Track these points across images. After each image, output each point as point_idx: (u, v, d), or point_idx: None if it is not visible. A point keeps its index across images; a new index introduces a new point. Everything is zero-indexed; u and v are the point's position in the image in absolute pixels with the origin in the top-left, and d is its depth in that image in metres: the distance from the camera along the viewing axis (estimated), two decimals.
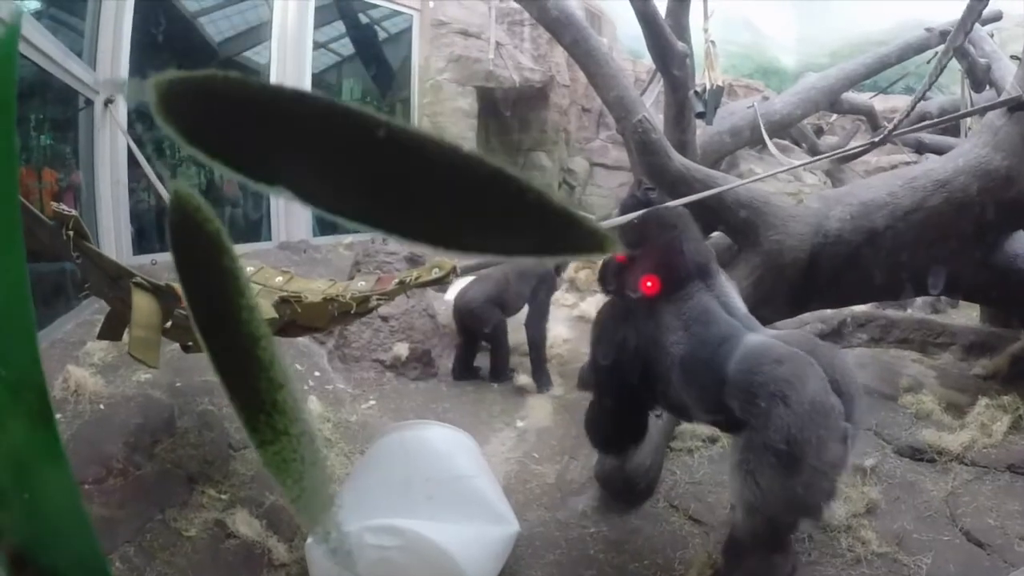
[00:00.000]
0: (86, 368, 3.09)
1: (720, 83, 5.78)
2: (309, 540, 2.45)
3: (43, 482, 0.31)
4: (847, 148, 5.61)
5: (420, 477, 2.50)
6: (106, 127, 4.61)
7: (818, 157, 6.00)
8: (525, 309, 4.71)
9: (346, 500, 2.44)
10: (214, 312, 0.32)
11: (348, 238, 6.53)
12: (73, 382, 2.90)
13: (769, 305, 3.31)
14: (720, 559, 2.50)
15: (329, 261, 5.82)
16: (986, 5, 2.97)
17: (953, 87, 7.56)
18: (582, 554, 2.80)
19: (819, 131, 9.41)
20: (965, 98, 6.30)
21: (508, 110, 8.65)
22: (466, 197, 0.29)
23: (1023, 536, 2.69)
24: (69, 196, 4.33)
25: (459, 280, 4.39)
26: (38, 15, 4.14)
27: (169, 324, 2.35)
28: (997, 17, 6.05)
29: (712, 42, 5.66)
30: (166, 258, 4.96)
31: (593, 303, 5.25)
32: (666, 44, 3.93)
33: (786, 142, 9.08)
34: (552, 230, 0.29)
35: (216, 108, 0.29)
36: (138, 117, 4.49)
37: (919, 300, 5.53)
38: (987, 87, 5.83)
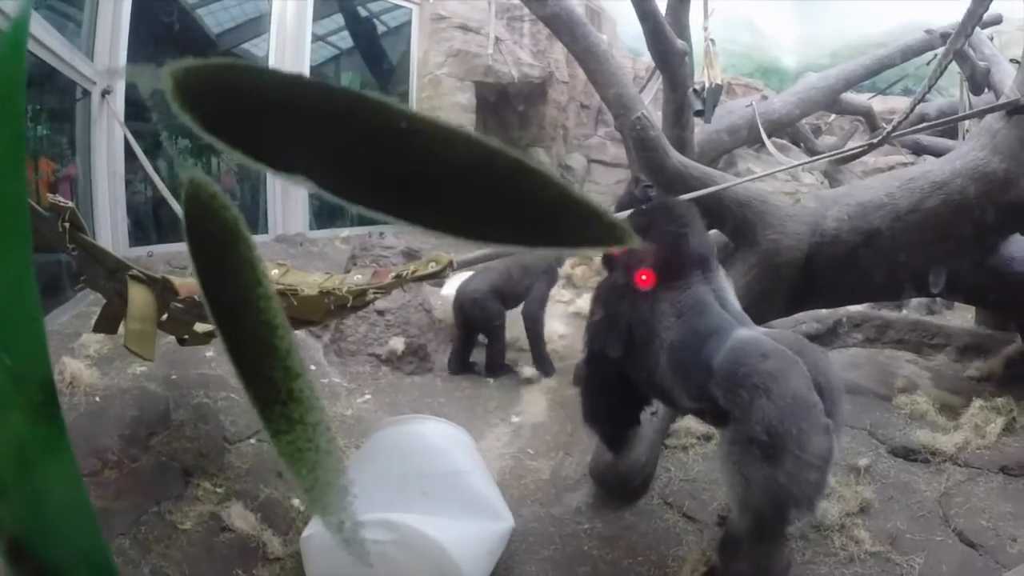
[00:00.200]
0: (82, 360, 3.09)
1: (719, 82, 5.79)
2: (304, 534, 2.45)
3: (47, 475, 0.31)
4: (847, 149, 5.61)
5: (415, 472, 2.50)
6: (103, 118, 4.59)
7: (818, 157, 6.00)
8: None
9: None
10: (230, 301, 0.32)
11: (344, 231, 6.52)
12: (68, 374, 2.89)
13: (765, 304, 3.31)
14: (715, 556, 2.52)
15: (325, 254, 5.81)
16: (987, 9, 2.97)
17: (952, 89, 7.58)
18: (576, 550, 2.81)
19: (817, 131, 9.42)
20: (964, 101, 6.32)
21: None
22: (489, 189, 0.29)
23: (1015, 537, 2.70)
24: (65, 187, 4.31)
25: (455, 275, 4.39)
26: (36, 5, 4.11)
27: (165, 317, 2.34)
28: (997, 21, 6.06)
29: (712, 41, 5.67)
30: (163, 250, 4.95)
31: (589, 300, 5.25)
32: (666, 42, 3.93)
33: (784, 141, 9.10)
34: (573, 223, 0.29)
35: (235, 97, 0.28)
36: (137, 107, 4.47)
37: (914, 301, 5.54)
38: (986, 90, 5.84)
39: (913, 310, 5.56)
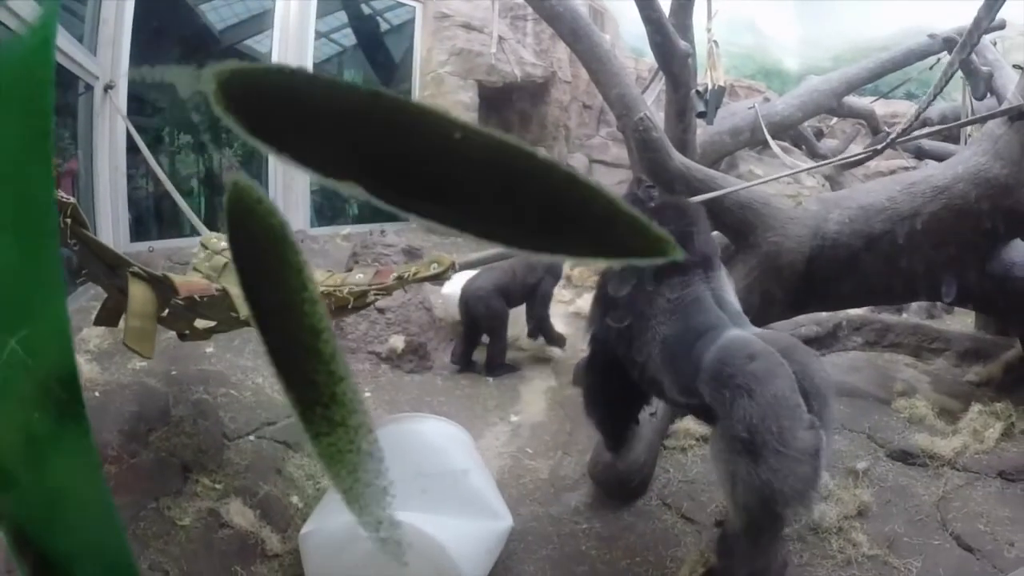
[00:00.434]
0: (82, 355, 3.09)
1: (722, 83, 5.78)
2: (303, 531, 2.46)
3: (71, 473, 0.31)
4: (853, 155, 5.62)
5: (414, 471, 2.50)
6: (105, 113, 4.58)
7: (825, 162, 6.01)
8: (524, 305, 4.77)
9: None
10: (274, 305, 0.32)
11: (346, 229, 6.51)
12: None
13: (765, 306, 3.31)
14: (713, 557, 2.53)
15: (327, 252, 5.81)
16: (993, 19, 2.97)
17: (954, 94, 7.57)
18: (575, 550, 2.81)
19: (819, 134, 9.41)
20: (966, 106, 6.32)
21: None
22: (544, 202, 0.30)
23: (1013, 542, 2.71)
24: (67, 182, 4.30)
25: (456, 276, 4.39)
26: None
27: (165, 312, 2.34)
28: (1000, 26, 6.03)
29: (715, 42, 5.66)
30: (163, 245, 4.95)
31: (589, 300, 5.27)
32: (669, 43, 3.92)
33: (785, 143, 9.09)
34: (620, 234, 0.30)
35: (283, 102, 0.29)
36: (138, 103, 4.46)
37: (914, 305, 5.55)
38: (988, 95, 5.84)
39: (913, 314, 5.56)
